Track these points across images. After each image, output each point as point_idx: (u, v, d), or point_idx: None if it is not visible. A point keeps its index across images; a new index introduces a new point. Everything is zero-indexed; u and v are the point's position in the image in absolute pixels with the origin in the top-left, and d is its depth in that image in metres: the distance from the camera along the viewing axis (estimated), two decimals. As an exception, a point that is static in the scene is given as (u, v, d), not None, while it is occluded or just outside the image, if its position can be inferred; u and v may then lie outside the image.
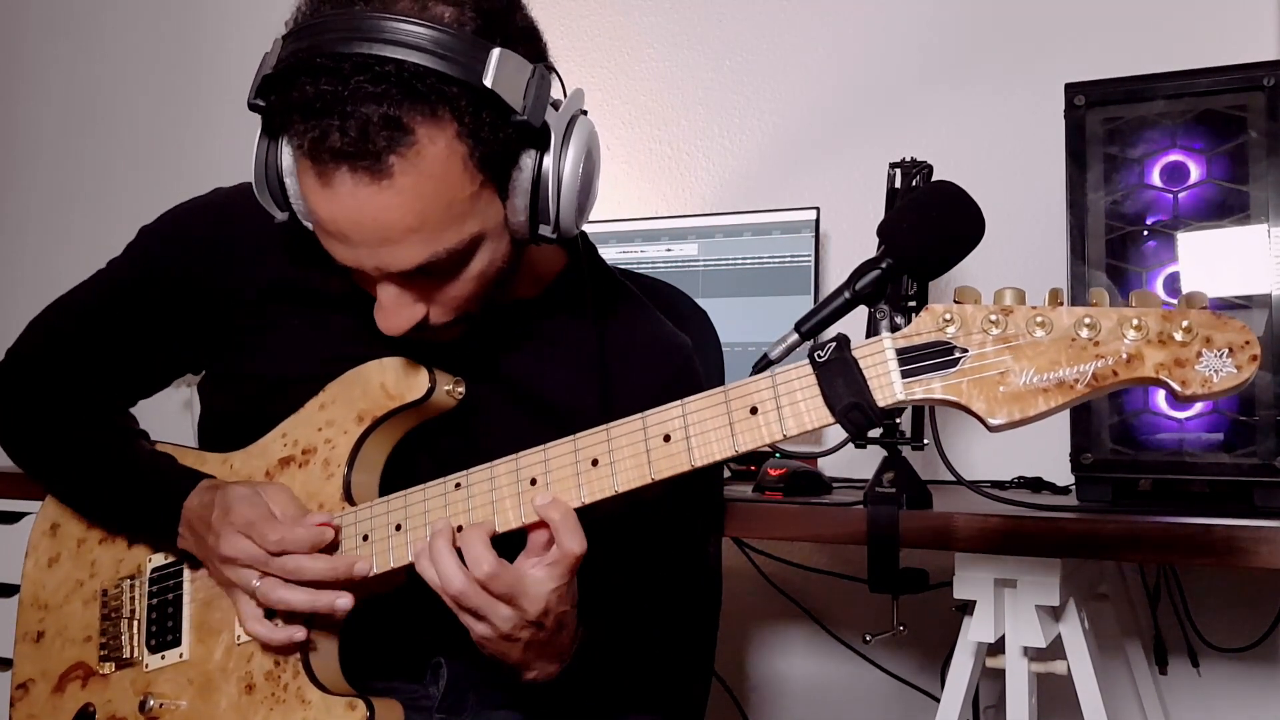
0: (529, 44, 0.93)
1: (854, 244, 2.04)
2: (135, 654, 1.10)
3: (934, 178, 1.50)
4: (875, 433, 1.45)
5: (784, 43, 2.18)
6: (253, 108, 0.91)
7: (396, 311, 0.93)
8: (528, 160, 0.92)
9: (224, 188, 1.15)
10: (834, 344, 0.83)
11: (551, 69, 0.95)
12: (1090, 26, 1.91)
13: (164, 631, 1.08)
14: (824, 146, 2.12)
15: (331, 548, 0.99)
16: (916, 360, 0.80)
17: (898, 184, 1.54)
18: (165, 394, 2.36)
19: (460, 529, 0.93)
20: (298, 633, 0.98)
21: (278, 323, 1.08)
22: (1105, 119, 1.40)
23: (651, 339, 1.15)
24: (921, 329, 0.80)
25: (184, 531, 1.05)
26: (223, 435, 1.13)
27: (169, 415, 2.43)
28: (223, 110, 2.73)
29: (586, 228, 1.21)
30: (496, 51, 0.87)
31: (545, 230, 0.95)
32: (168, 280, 1.11)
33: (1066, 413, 1.38)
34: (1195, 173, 1.36)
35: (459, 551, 0.91)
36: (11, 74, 3.02)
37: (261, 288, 1.08)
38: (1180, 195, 1.37)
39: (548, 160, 0.92)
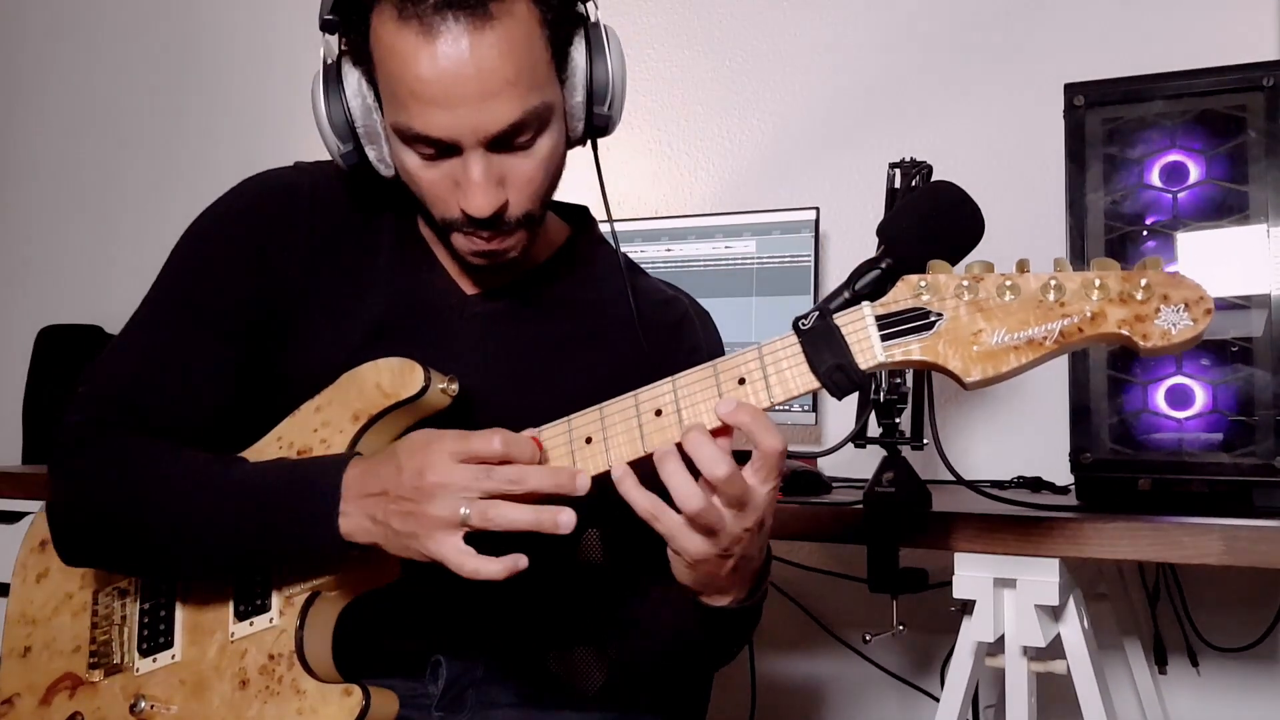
0: None
1: (854, 244, 2.04)
2: (125, 659, 1.09)
3: (934, 178, 1.50)
4: (874, 432, 1.45)
5: (784, 43, 2.18)
6: (337, 7, 0.98)
7: (488, 189, 0.98)
8: (579, 43, 1.02)
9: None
10: (817, 313, 0.87)
11: None
12: (1090, 27, 1.91)
13: (156, 634, 1.08)
14: (824, 146, 2.13)
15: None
16: (895, 325, 0.85)
17: (897, 184, 1.54)
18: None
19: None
20: (520, 560, 0.89)
21: (317, 313, 1.08)
22: (1105, 119, 1.40)
23: (653, 292, 1.21)
24: (898, 297, 0.86)
25: (347, 509, 0.93)
26: (238, 430, 1.09)
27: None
28: (221, 114, 2.73)
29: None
30: None
31: (602, 109, 1.04)
32: (239, 257, 1.08)
33: (1065, 413, 1.40)
34: (1194, 173, 1.36)
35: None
36: (11, 77, 3.03)
37: (319, 264, 1.09)
38: (1180, 195, 1.37)
39: (598, 45, 1.03)
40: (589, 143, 1.09)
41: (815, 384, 0.86)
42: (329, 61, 1.01)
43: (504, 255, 1.03)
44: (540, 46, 0.96)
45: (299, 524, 0.94)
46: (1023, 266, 0.83)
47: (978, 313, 0.83)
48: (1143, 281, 0.80)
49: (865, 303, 0.87)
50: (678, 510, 0.86)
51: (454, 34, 0.92)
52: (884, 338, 0.85)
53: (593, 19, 1.03)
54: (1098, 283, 0.81)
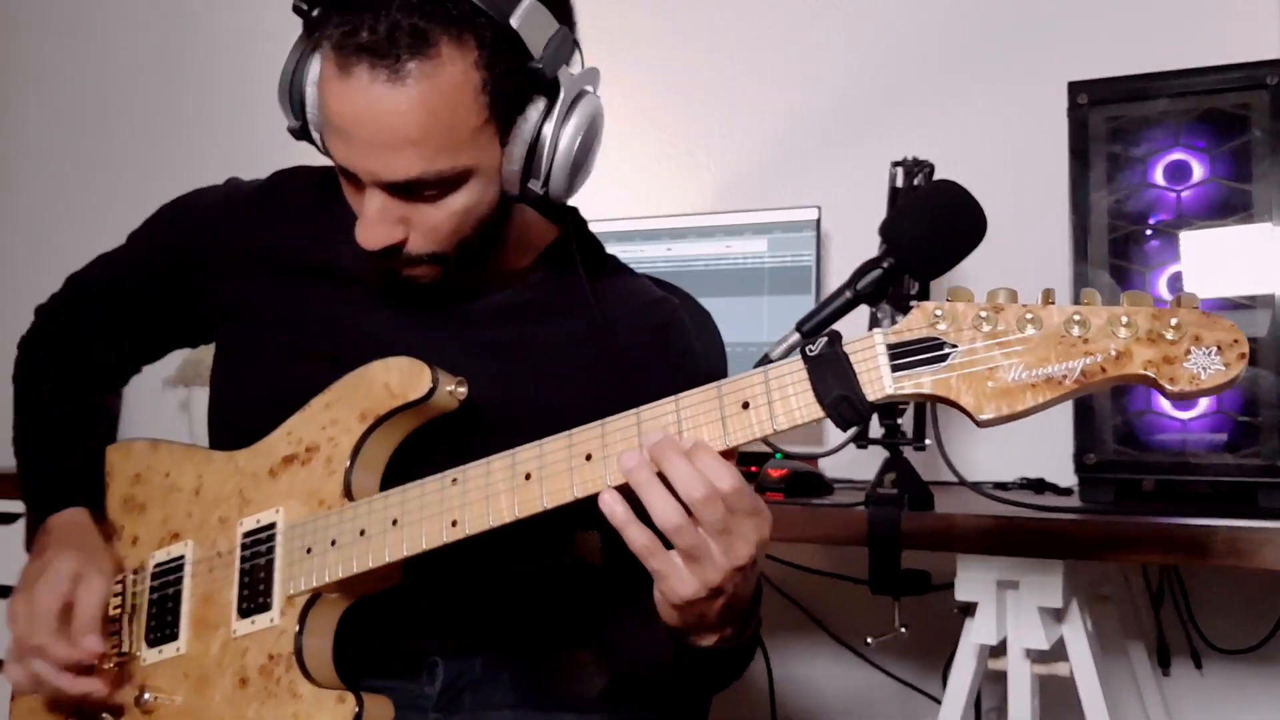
0: (561, 10, 0.98)
1: (855, 243, 2.02)
2: (133, 648, 1.10)
3: (936, 177, 1.50)
4: (876, 433, 1.45)
5: (785, 42, 2.18)
6: (296, 10, 0.97)
7: (376, 226, 0.96)
8: (533, 113, 0.97)
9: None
10: (825, 339, 0.84)
11: (575, 42, 1.00)
12: (1093, 25, 1.91)
13: (163, 625, 1.09)
14: (825, 145, 2.12)
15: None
16: (907, 355, 0.81)
17: (899, 183, 1.53)
18: (164, 394, 2.37)
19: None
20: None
21: (296, 296, 1.10)
22: (1108, 118, 1.40)
23: (641, 293, 1.17)
24: (912, 325, 0.82)
25: (39, 535, 1.12)
26: (234, 417, 1.13)
27: (167, 415, 2.42)
28: (215, 110, 2.73)
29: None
30: (529, 1, 0.93)
31: (535, 186, 0.98)
32: (179, 245, 1.16)
33: (1069, 414, 1.39)
34: (1198, 171, 1.36)
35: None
36: (5, 75, 3.02)
37: (277, 260, 1.11)
38: (1183, 194, 1.36)
39: (552, 117, 0.97)
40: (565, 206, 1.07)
41: (820, 414, 0.83)
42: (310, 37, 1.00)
43: (414, 280, 1.02)
44: (470, 112, 0.92)
45: (29, 501, 1.17)
46: (1047, 297, 0.79)
47: (995, 346, 0.79)
48: (1174, 320, 0.76)
49: (877, 330, 0.83)
50: (658, 531, 0.84)
51: (364, 82, 0.90)
52: (894, 368, 0.81)
53: (569, 86, 0.97)
54: (1125, 319, 0.77)
